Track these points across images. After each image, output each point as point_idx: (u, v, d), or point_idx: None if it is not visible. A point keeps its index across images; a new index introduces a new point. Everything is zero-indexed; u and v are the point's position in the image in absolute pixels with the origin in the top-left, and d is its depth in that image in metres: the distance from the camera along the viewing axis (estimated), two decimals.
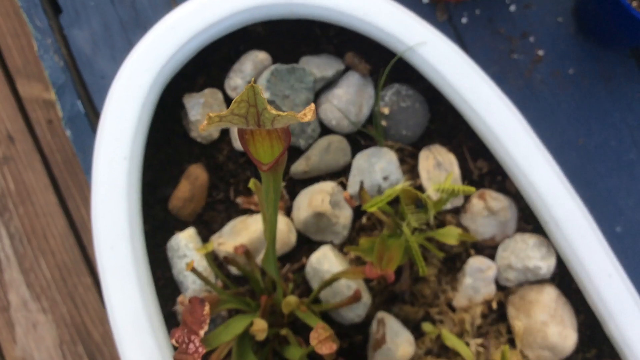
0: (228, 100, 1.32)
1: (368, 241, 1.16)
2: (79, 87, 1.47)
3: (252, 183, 0.91)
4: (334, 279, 1.05)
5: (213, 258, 1.26)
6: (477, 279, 1.22)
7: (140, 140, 1.20)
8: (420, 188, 1.28)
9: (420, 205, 1.08)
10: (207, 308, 0.85)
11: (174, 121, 1.32)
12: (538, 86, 1.42)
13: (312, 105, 0.63)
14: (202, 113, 1.28)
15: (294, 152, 1.30)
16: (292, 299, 0.97)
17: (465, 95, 1.23)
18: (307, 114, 0.62)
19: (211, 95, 1.30)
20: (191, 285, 1.21)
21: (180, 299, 1.13)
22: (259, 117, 0.64)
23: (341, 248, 1.26)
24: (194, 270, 1.05)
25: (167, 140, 1.31)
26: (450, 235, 1.18)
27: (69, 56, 1.49)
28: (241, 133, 0.68)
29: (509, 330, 1.25)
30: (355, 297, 1.10)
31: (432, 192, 1.05)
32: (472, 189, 0.99)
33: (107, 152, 1.17)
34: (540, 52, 1.44)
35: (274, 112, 0.61)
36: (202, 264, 1.22)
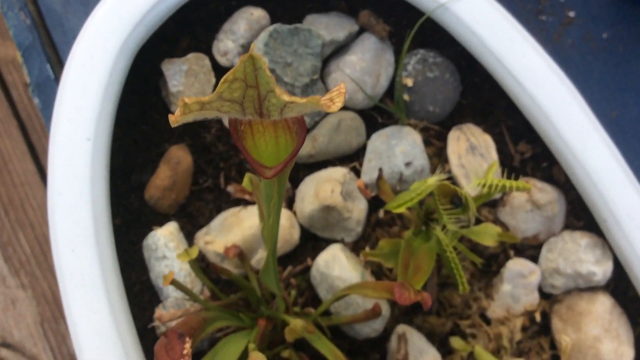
0: (217, 69, 1.09)
1: (389, 243, 0.95)
2: (48, 48, 1.23)
3: (247, 180, 0.69)
4: (347, 293, 0.84)
5: (200, 259, 1.04)
6: (517, 286, 1.02)
7: (107, 117, 0.97)
8: (449, 175, 1.06)
9: (457, 202, 0.87)
10: (187, 346, 0.64)
11: (151, 93, 1.08)
12: (568, 51, 1.20)
13: (343, 86, 0.41)
14: (186, 83, 1.05)
15: None
16: (297, 324, 0.76)
17: (509, 63, 1.01)
18: (335, 101, 0.40)
19: (196, 61, 1.06)
20: (172, 293, 1.00)
21: (157, 314, 0.93)
22: (261, 103, 0.42)
23: (354, 247, 1.05)
24: (174, 283, 0.84)
25: (142, 115, 1.08)
26: (487, 235, 0.97)
27: (36, 13, 1.25)
28: (234, 125, 0.46)
29: (553, 345, 1.05)
30: (374, 313, 0.89)
31: (472, 186, 0.84)
32: (527, 185, 0.77)
33: (66, 132, 0.94)
34: (571, 14, 1.21)
35: (285, 97, 0.39)
36: (185, 267, 1.01)
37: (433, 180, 0.83)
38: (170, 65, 1.06)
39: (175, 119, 0.42)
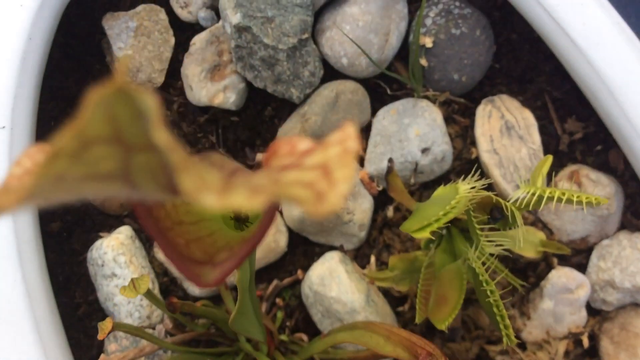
0: (177, 25, 0.83)
1: (402, 261, 0.73)
2: None
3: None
4: (349, 341, 0.63)
5: (162, 272, 0.83)
6: (561, 302, 0.81)
7: (28, 95, 0.73)
8: (477, 163, 0.83)
9: (496, 214, 0.64)
10: None
11: (92, 57, 0.84)
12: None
13: (351, 133, 0.17)
14: (135, 44, 0.80)
15: (284, 107, 0.84)
16: None
17: (560, 15, 0.76)
18: (334, 178, 0.16)
19: (149, 15, 0.81)
20: (126, 319, 0.79)
21: (102, 358, 0.71)
22: (169, 174, 0.18)
23: (356, 254, 0.83)
24: (119, 328, 0.62)
25: (81, 88, 0.83)
26: (528, 244, 0.75)
27: None
28: (139, 206, 0.23)
29: None
30: (383, 356, 0.68)
31: (519, 193, 0.61)
32: (604, 200, 0.54)
33: None
34: None
35: (194, 184, 0.15)
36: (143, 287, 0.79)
37: (465, 189, 0.60)
38: (115, 21, 0.80)
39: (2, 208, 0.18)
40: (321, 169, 0.18)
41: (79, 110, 0.17)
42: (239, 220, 0.43)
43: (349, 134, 0.19)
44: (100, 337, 0.60)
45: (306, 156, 0.19)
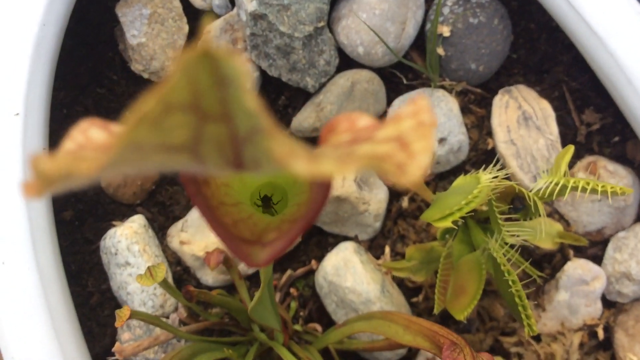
0: (191, 13, 0.82)
1: (419, 251, 0.73)
2: None
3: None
4: (366, 331, 0.62)
5: (175, 262, 0.82)
6: (577, 294, 0.80)
7: (41, 82, 0.72)
8: (493, 154, 0.83)
9: (517, 204, 0.63)
10: None
11: (106, 46, 0.83)
12: None
13: (425, 105, 0.16)
14: (149, 32, 0.79)
15: (298, 96, 0.83)
16: None
17: (580, 4, 0.75)
18: (413, 149, 0.15)
19: (162, 2, 0.80)
20: (139, 307, 0.78)
21: (116, 347, 0.71)
22: (238, 148, 0.17)
23: (371, 245, 0.83)
24: (135, 316, 0.62)
25: (95, 76, 0.83)
26: (546, 235, 0.74)
27: None
28: (190, 183, 0.22)
29: None
30: (401, 344, 0.68)
31: (541, 183, 0.60)
32: (629, 190, 0.54)
33: None
34: None
35: (284, 150, 0.14)
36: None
37: (487, 179, 0.59)
38: (128, 8, 0.79)
39: (34, 192, 0.18)
40: (397, 141, 0.17)
41: (166, 75, 0.16)
42: (266, 206, 0.42)
43: (422, 107, 0.18)
44: (117, 324, 0.59)
45: (375, 130, 0.19)
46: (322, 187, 0.23)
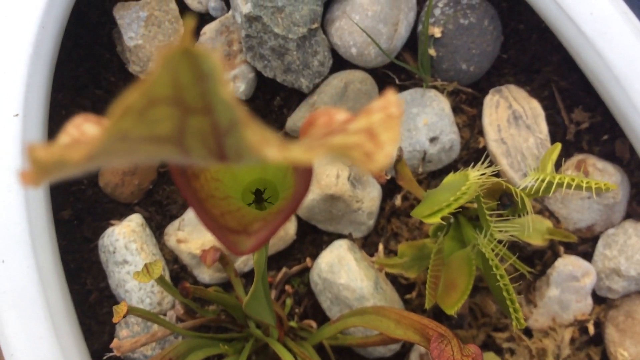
0: (188, 15, 0.84)
1: (411, 247, 0.74)
2: None
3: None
4: (359, 325, 0.64)
5: (172, 260, 0.84)
6: (567, 290, 0.82)
7: (40, 83, 0.74)
8: (484, 152, 0.84)
9: (506, 200, 0.65)
10: None
11: (103, 47, 0.84)
12: None
13: (392, 99, 0.18)
14: (146, 34, 0.81)
15: (293, 96, 0.85)
16: None
17: (568, 4, 0.76)
18: (380, 140, 0.17)
19: (159, 5, 0.82)
20: (137, 305, 0.80)
21: (114, 343, 0.72)
22: (219, 139, 0.19)
23: (365, 243, 0.84)
24: (132, 312, 0.63)
25: (92, 77, 0.84)
26: (536, 232, 0.76)
27: None
28: (179, 176, 0.24)
29: (605, 358, 0.86)
30: (394, 339, 0.69)
31: (529, 180, 0.62)
32: (613, 186, 0.55)
33: None
34: None
35: (257, 138, 0.16)
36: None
37: (476, 175, 0.61)
38: (125, 11, 0.81)
39: (31, 180, 0.19)
40: (366, 132, 0.19)
41: (149, 70, 0.18)
42: (259, 201, 0.44)
43: (390, 101, 0.20)
44: (115, 320, 0.61)
45: (349, 123, 0.20)
46: (304, 179, 0.25)
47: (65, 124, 0.22)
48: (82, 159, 0.18)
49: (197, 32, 0.84)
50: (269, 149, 0.17)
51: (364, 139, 0.18)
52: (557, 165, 0.84)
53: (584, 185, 0.57)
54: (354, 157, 0.18)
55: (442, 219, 0.68)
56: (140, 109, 0.18)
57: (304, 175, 0.25)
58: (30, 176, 0.19)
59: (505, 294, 0.58)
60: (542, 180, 0.60)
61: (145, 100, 0.18)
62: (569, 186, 0.58)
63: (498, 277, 0.58)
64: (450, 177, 0.66)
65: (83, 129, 0.21)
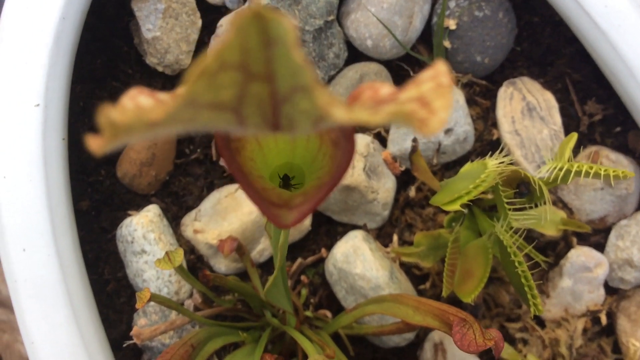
0: (205, 8, 0.85)
1: (427, 237, 0.75)
2: None
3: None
4: (376, 312, 0.65)
5: (189, 250, 0.84)
6: (580, 281, 0.82)
7: (61, 74, 0.74)
8: (498, 144, 0.85)
9: (523, 189, 0.66)
10: None
11: (121, 40, 0.85)
12: None
13: (443, 69, 0.19)
14: (163, 26, 0.82)
15: None
16: None
17: None
18: (434, 107, 0.18)
19: None
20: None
21: (134, 331, 0.73)
22: (277, 108, 0.19)
23: (379, 234, 0.85)
24: (154, 299, 0.64)
25: (110, 69, 0.85)
26: (549, 222, 0.77)
27: None
28: (223, 140, 0.25)
29: (617, 348, 0.87)
30: (410, 327, 0.70)
31: (546, 169, 0.63)
32: (631, 173, 0.56)
33: (7, 97, 0.72)
34: None
35: (335, 108, 0.17)
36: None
37: (494, 164, 0.62)
38: (143, 3, 0.82)
39: (100, 145, 0.20)
40: (418, 101, 0.20)
41: (224, 35, 0.19)
42: (285, 185, 0.44)
43: (440, 71, 0.21)
44: (138, 306, 0.62)
45: (397, 94, 0.21)
46: (346, 151, 0.25)
47: (96, 109, 0.23)
48: (159, 119, 0.19)
49: (213, 24, 0.84)
50: (337, 109, 0.18)
51: (416, 106, 0.19)
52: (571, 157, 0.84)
53: (602, 173, 0.58)
54: (411, 123, 0.19)
55: (456, 210, 0.69)
56: (213, 72, 0.19)
57: (346, 148, 0.26)
58: (99, 140, 0.20)
59: (523, 280, 0.59)
60: (560, 169, 0.60)
61: (218, 64, 0.19)
62: (587, 174, 0.58)
63: (516, 264, 0.59)
64: (467, 166, 0.66)
65: (138, 101, 0.22)
